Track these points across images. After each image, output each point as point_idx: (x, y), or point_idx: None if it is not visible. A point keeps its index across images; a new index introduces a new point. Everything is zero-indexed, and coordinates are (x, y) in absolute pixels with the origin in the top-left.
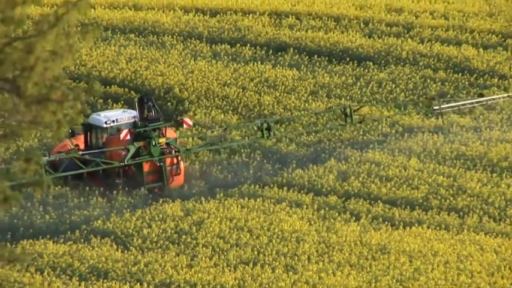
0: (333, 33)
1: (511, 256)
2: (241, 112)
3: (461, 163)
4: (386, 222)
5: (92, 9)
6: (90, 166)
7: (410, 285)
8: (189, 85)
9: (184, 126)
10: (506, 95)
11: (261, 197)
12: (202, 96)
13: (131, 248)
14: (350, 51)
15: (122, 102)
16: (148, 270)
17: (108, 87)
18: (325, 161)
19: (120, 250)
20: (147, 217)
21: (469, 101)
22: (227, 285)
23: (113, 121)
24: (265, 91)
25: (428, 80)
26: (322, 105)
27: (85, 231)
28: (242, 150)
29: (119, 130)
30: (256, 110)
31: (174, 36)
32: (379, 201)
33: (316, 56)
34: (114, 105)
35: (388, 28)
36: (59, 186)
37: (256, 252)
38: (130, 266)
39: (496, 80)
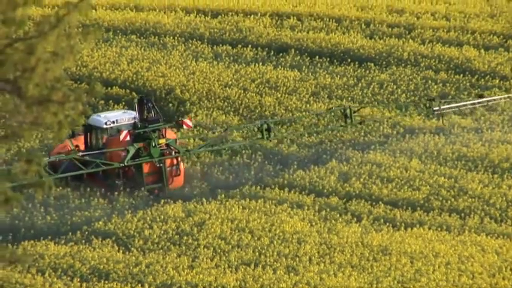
0: (334, 34)
1: None
2: (243, 113)
3: (463, 164)
4: (387, 223)
5: (93, 10)
6: (90, 167)
7: (412, 287)
8: (190, 86)
9: (184, 127)
10: (506, 95)
11: (262, 198)
12: (204, 98)
13: (132, 249)
14: (351, 52)
15: (123, 103)
16: (150, 271)
17: (109, 88)
18: (327, 162)
19: (121, 251)
20: (148, 218)
21: (469, 102)
22: (228, 286)
23: (113, 122)
24: (266, 92)
25: (430, 81)
26: (323, 106)
27: (86, 232)
28: (243, 152)
29: (119, 131)
30: (257, 111)
31: (176, 37)
32: (380, 202)
33: (317, 57)
34: (116, 106)
35: (390, 29)
36: (60, 188)
37: (257, 253)
38: (131, 267)
39: (497, 81)
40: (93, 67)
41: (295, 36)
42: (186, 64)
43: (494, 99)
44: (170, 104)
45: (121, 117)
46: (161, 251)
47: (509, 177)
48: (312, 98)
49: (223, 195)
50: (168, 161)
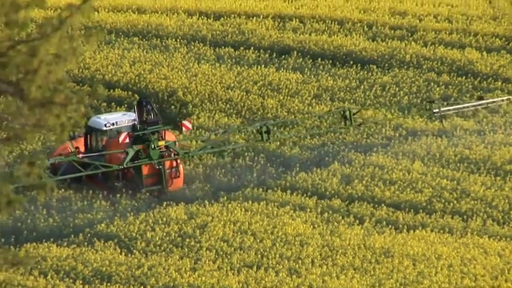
0: (337, 36)
1: None
2: (245, 115)
3: (465, 166)
4: (390, 226)
5: (96, 13)
6: (89, 169)
7: None
8: (192, 88)
9: (184, 129)
10: (506, 97)
11: (264, 200)
12: (206, 100)
13: (135, 251)
14: (354, 54)
15: (126, 105)
16: (152, 273)
17: (111, 90)
18: (329, 165)
19: (123, 253)
20: (150, 220)
21: (468, 104)
22: None
23: (113, 124)
24: (268, 94)
25: (432, 84)
26: (325, 109)
27: (88, 235)
28: (246, 154)
29: (118, 133)
30: (259, 113)
31: (178, 40)
32: (382, 205)
33: (319, 59)
34: (118, 108)
35: (392, 31)
36: (63, 190)
37: (259, 256)
38: (133, 270)
39: (499, 83)
40: (95, 69)
41: (298, 38)
42: (188, 66)
43: (494, 101)
44: (172, 106)
45: (121, 119)
46: (163, 253)
47: None
48: (314, 100)
49: (225, 198)
50: (167, 163)
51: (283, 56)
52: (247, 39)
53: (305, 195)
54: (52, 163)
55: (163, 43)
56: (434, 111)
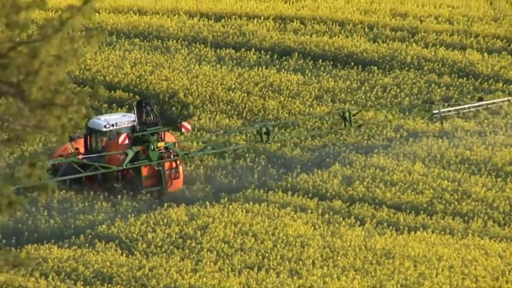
0: (338, 37)
1: None
2: (246, 117)
3: (466, 168)
4: (391, 227)
5: (97, 14)
6: (89, 170)
7: None
8: (193, 90)
9: (183, 130)
10: (506, 98)
11: (265, 201)
12: (207, 101)
13: (136, 252)
14: (355, 55)
15: (127, 106)
16: (153, 274)
17: (112, 91)
18: (330, 166)
19: (124, 255)
20: (151, 222)
21: (467, 105)
22: None
23: (112, 125)
24: (269, 96)
25: (433, 85)
26: (326, 110)
27: (90, 236)
28: (246, 155)
29: (118, 134)
30: (260, 114)
31: (179, 41)
32: (383, 206)
33: (320, 60)
34: (119, 109)
35: (393, 33)
36: (64, 191)
37: (260, 257)
38: (135, 271)
39: (500, 84)
40: (96, 70)
41: (299, 39)
42: (189, 68)
43: (494, 102)
44: (173, 108)
45: (120, 120)
46: (164, 254)
47: None
48: (315, 101)
49: (226, 199)
50: (167, 164)
51: (284, 57)
52: (248, 41)
53: (306, 196)
54: (52, 164)
55: (164, 44)
56: (434, 112)
